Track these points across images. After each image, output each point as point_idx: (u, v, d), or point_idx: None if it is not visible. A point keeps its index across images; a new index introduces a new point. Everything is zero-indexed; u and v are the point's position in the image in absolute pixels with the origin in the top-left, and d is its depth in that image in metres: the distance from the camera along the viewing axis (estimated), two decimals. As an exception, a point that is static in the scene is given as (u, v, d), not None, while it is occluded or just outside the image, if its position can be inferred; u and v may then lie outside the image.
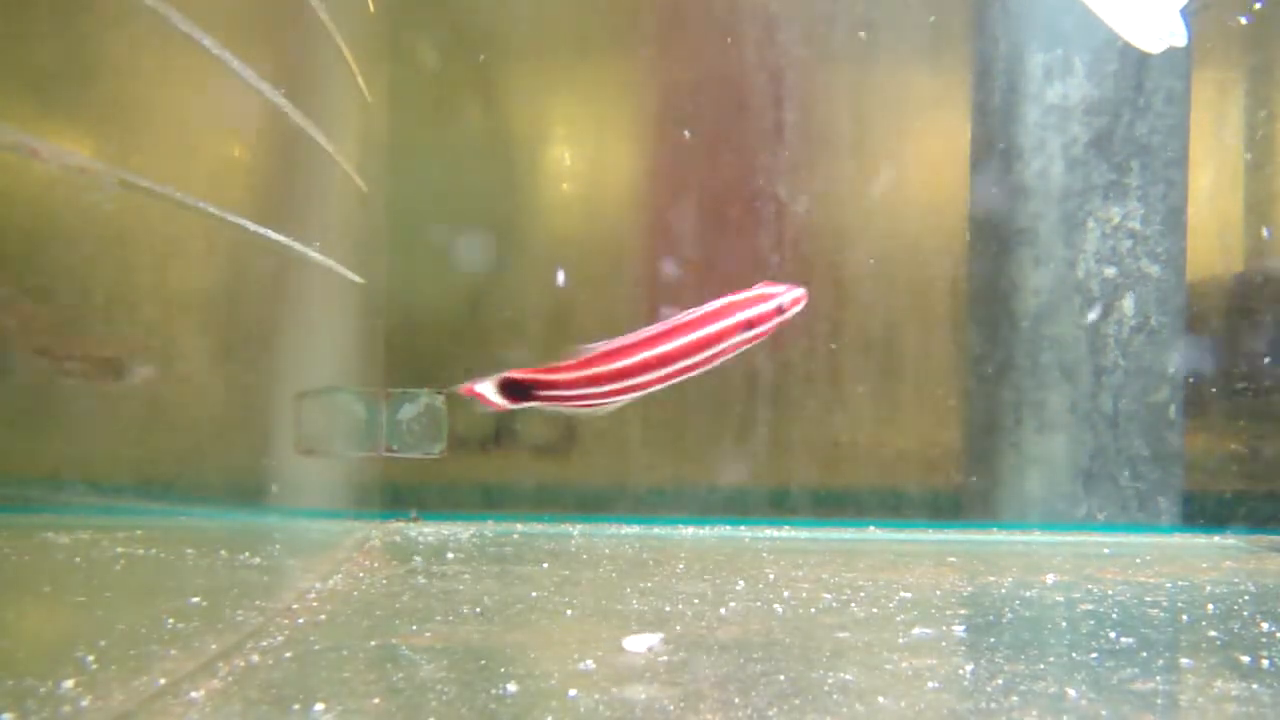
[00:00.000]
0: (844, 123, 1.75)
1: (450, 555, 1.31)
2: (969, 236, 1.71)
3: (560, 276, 1.69)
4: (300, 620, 0.95)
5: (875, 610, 1.03)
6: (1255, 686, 0.79)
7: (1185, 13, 1.01)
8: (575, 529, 1.55)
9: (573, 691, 0.75)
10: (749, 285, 0.85)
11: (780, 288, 0.84)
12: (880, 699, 0.75)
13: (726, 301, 0.82)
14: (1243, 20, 1.66)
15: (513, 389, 0.82)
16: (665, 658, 0.85)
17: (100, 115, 0.80)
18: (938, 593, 1.13)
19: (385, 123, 1.70)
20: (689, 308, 0.82)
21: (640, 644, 0.87)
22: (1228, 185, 1.76)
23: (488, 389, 0.83)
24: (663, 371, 0.80)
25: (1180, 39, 1.02)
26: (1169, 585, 1.19)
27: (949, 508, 1.71)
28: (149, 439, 0.88)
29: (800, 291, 0.84)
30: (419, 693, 0.74)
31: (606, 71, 1.81)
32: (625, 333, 0.81)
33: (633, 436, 1.73)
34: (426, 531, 1.50)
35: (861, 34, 1.71)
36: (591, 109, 1.82)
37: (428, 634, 0.91)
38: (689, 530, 1.56)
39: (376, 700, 0.73)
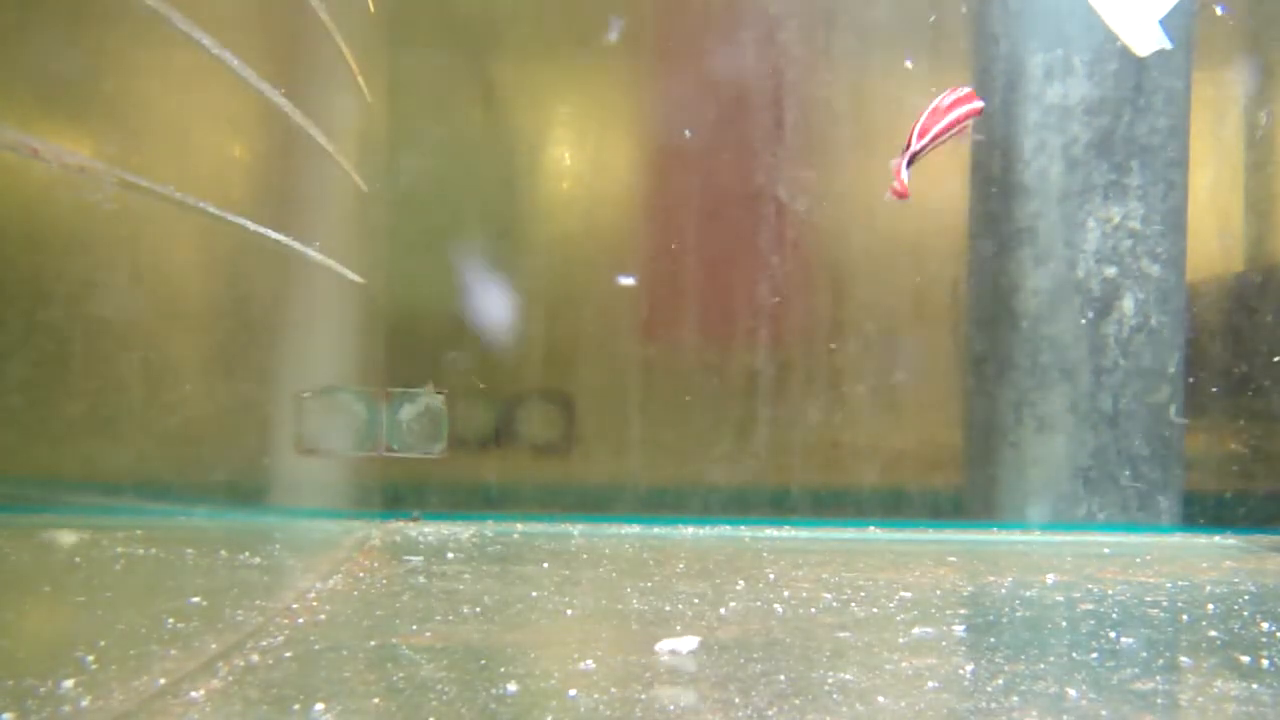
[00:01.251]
0: (844, 123, 1.75)
1: (450, 555, 1.31)
2: (969, 236, 1.71)
3: (630, 280, 1.69)
4: (300, 620, 0.95)
5: (875, 610, 1.03)
6: (1255, 686, 0.79)
7: (1164, 22, 1.05)
8: (575, 529, 1.55)
9: (572, 691, 0.75)
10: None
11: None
12: (880, 699, 0.75)
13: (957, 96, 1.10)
14: (1218, 10, 1.66)
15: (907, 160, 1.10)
16: (665, 658, 0.85)
17: (100, 115, 0.80)
18: (938, 593, 1.13)
19: (385, 122, 1.70)
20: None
21: (675, 646, 0.87)
22: (1228, 185, 1.76)
23: (904, 173, 1.09)
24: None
25: (1165, 43, 1.06)
26: (1169, 585, 1.19)
27: (949, 508, 1.71)
28: (149, 439, 0.88)
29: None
30: (419, 692, 0.74)
31: (607, 71, 1.81)
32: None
33: (633, 436, 1.73)
34: (427, 531, 1.50)
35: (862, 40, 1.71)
36: (592, 109, 1.82)
37: (428, 634, 0.91)
38: (689, 530, 1.56)
39: (376, 700, 0.73)
